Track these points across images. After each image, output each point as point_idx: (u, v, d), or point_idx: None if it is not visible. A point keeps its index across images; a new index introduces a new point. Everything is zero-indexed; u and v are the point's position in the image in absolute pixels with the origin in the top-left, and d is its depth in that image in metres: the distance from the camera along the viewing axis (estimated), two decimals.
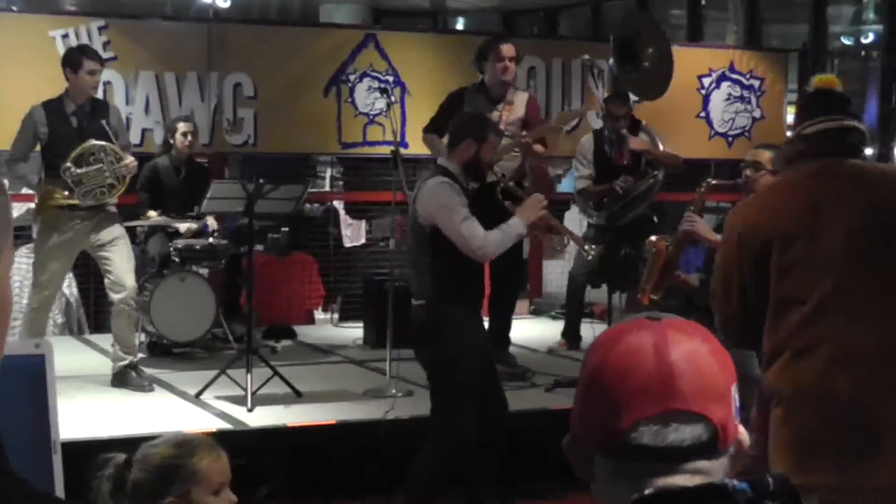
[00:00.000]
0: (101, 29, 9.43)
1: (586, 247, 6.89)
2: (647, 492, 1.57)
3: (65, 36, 9.17)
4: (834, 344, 3.40)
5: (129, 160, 7.53)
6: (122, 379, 7.64)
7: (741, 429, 1.64)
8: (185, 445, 3.05)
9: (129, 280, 7.59)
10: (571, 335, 9.27)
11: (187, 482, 3.00)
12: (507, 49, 8.07)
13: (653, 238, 6.01)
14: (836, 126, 3.66)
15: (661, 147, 9.04)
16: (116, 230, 7.63)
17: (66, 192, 7.40)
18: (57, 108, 7.53)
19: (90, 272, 9.31)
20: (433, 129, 8.11)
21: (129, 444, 3.11)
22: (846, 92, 3.87)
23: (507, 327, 8.46)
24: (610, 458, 1.61)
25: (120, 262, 7.58)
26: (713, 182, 6.15)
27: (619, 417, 1.58)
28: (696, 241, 5.83)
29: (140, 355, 8.14)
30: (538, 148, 8.05)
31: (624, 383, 1.59)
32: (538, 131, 8.12)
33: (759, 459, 3.62)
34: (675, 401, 1.57)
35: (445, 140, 6.13)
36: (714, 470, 1.59)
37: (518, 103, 8.19)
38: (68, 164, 7.33)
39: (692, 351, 1.61)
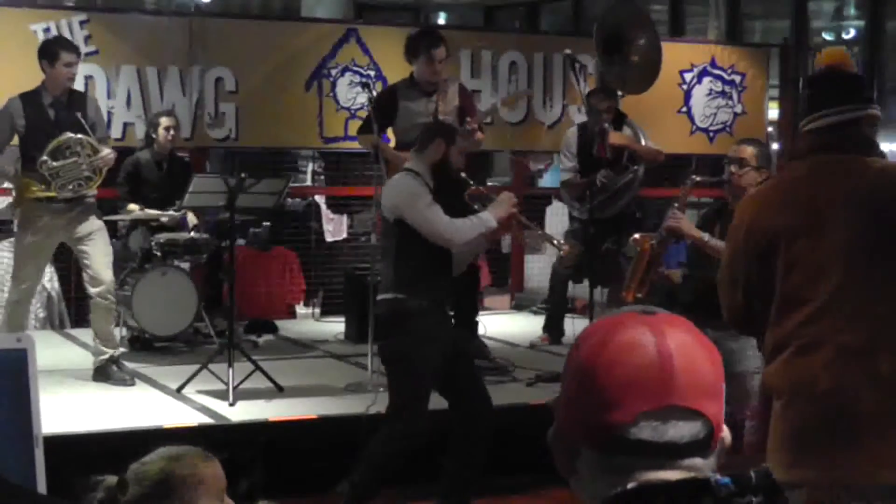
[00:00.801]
0: (82, 23, 9.39)
1: (555, 241, 6.89)
2: (629, 486, 1.57)
3: (46, 30, 9.11)
4: (833, 343, 3.39)
5: (106, 152, 7.50)
6: (104, 373, 7.63)
7: (724, 426, 1.65)
8: (180, 457, 3.01)
9: (107, 274, 7.58)
10: (554, 330, 9.26)
11: (193, 489, 2.92)
12: (440, 52, 8.02)
13: (637, 236, 6.02)
14: (838, 121, 3.58)
15: (643, 142, 9.05)
16: (94, 223, 7.61)
17: (43, 185, 7.38)
18: (34, 100, 7.49)
19: (71, 266, 9.29)
20: (367, 129, 7.99)
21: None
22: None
23: (472, 314, 8.42)
24: (598, 452, 1.61)
25: (97, 257, 7.56)
26: (697, 179, 6.15)
27: (617, 410, 1.58)
28: (681, 237, 5.85)
29: (121, 349, 8.12)
30: (479, 136, 8.06)
31: (623, 376, 1.58)
32: (480, 116, 8.22)
33: (755, 447, 3.62)
34: (674, 397, 1.58)
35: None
36: (705, 468, 1.60)
37: (451, 94, 8.19)
38: (45, 157, 7.31)
39: (689, 348, 1.62)
